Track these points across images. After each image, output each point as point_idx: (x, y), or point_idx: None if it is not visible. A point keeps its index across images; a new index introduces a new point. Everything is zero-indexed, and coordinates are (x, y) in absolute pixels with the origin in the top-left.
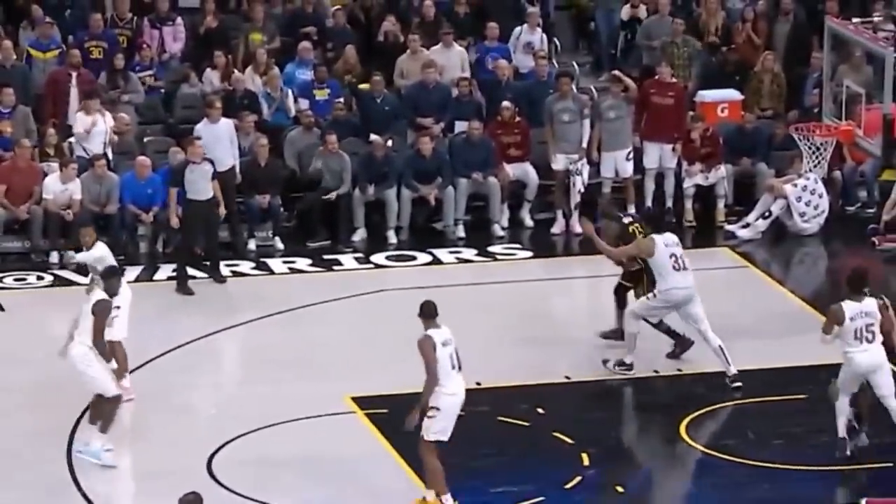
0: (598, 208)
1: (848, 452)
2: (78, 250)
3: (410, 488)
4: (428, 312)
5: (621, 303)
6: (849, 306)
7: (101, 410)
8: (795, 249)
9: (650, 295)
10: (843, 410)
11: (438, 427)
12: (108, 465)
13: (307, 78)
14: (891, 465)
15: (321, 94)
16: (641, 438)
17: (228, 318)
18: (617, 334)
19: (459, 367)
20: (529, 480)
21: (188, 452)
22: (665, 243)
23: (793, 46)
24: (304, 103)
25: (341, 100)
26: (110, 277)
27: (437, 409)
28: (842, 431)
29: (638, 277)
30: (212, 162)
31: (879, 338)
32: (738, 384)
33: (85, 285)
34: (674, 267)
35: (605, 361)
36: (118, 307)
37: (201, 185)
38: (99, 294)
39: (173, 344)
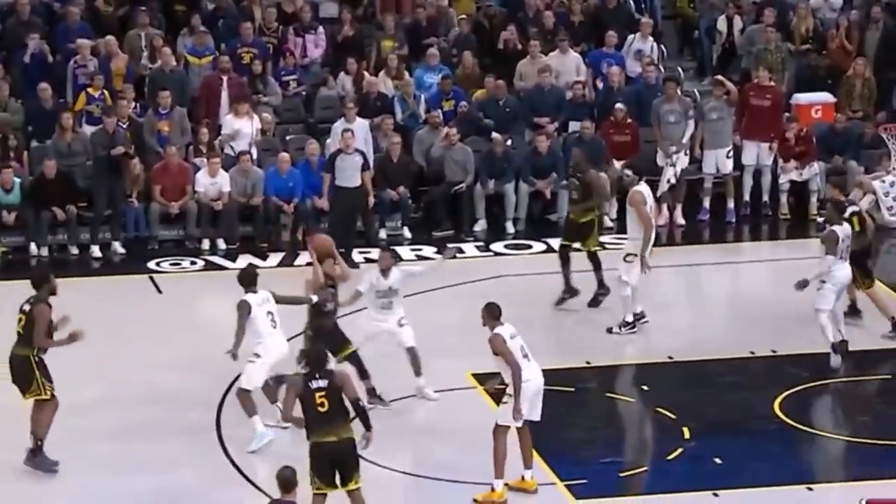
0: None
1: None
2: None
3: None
4: (493, 314)
5: (566, 263)
6: (840, 229)
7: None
8: (883, 241)
9: (629, 256)
10: (827, 325)
11: (509, 412)
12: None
13: (434, 81)
14: None
15: (448, 105)
16: (738, 414)
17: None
18: (568, 294)
19: (529, 357)
20: (634, 452)
21: None
22: (646, 193)
23: (882, 52)
24: (438, 114)
25: (465, 103)
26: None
27: (511, 396)
28: (831, 339)
29: (586, 234)
30: (363, 154)
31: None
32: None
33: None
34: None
35: (609, 330)
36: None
37: (349, 174)
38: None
39: None
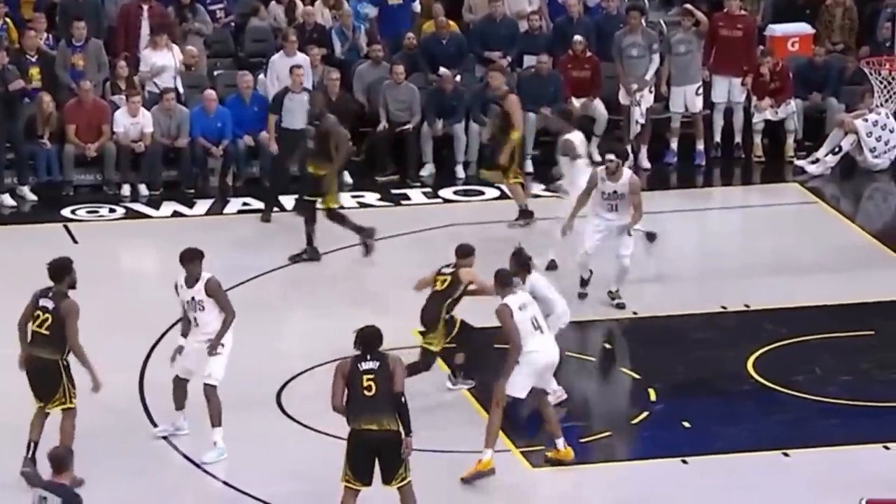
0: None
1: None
2: None
3: (473, 418)
4: (502, 281)
5: (312, 220)
6: (572, 135)
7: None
8: (865, 185)
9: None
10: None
11: (516, 381)
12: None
13: (372, 12)
14: None
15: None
16: (708, 374)
17: (297, 251)
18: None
19: (542, 329)
20: (596, 415)
21: (260, 384)
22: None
23: None
24: (372, 10)
25: (412, 35)
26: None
27: (517, 363)
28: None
29: (324, 189)
30: (309, 92)
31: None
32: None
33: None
34: None
35: (620, 306)
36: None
37: (297, 115)
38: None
39: (243, 277)
